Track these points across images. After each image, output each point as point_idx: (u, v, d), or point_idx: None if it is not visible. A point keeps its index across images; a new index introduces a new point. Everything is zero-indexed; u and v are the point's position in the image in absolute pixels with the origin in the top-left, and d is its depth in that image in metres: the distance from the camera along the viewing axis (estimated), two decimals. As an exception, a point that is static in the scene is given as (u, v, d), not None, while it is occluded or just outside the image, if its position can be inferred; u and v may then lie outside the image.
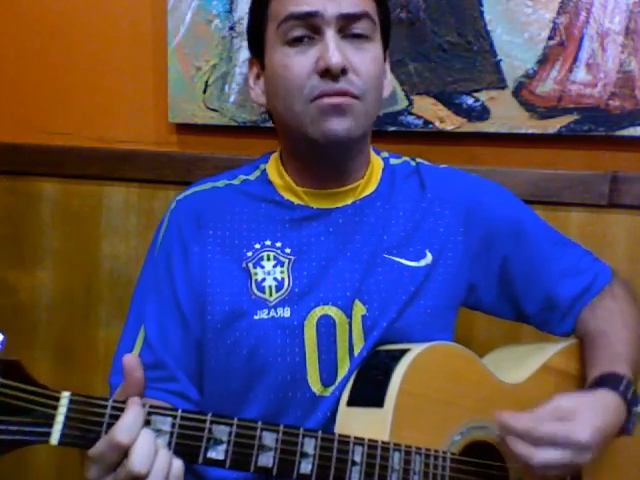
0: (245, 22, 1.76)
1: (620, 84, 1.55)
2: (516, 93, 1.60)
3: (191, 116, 1.80)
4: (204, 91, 1.78)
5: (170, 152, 1.85)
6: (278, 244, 1.17)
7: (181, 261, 1.18)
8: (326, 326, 1.14)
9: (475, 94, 1.62)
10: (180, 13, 1.76)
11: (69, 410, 0.86)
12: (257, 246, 1.17)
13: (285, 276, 1.15)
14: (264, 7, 1.17)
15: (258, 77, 1.22)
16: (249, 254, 1.17)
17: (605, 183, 1.59)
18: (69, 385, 1.98)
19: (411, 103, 1.65)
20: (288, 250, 1.17)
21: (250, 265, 1.16)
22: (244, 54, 1.74)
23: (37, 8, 1.90)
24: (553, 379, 1.21)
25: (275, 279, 1.15)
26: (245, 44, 1.74)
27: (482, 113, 1.62)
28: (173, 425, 0.90)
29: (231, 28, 1.74)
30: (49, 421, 0.85)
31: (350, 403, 1.08)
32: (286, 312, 1.13)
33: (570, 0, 1.55)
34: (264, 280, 1.15)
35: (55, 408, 0.86)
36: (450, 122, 1.65)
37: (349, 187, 1.21)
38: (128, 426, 0.87)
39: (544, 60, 1.58)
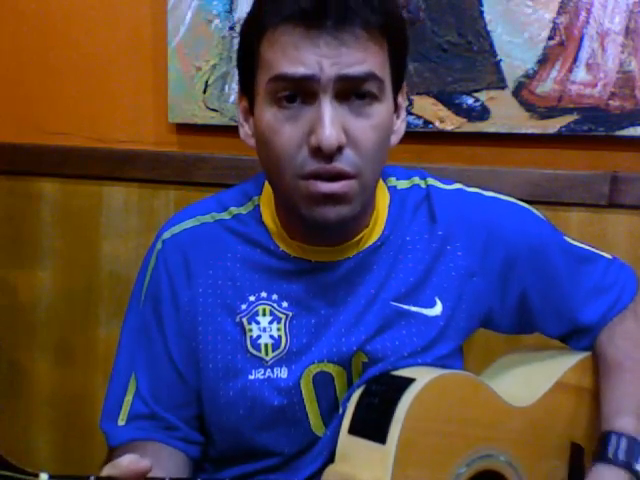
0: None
1: (620, 84, 1.55)
2: (516, 93, 1.60)
3: (191, 116, 1.80)
4: (204, 91, 1.78)
5: (170, 152, 1.85)
6: (274, 297, 1.09)
7: (172, 310, 1.10)
8: (323, 381, 1.09)
9: (475, 94, 1.62)
10: (180, 13, 1.76)
11: None
12: (252, 298, 1.09)
13: (282, 334, 1.08)
14: (253, 49, 1.02)
15: (247, 113, 1.08)
16: (243, 307, 1.09)
17: (605, 183, 1.58)
18: (69, 385, 2.00)
19: (411, 103, 1.65)
20: (285, 304, 1.09)
21: (245, 320, 1.08)
22: (244, 54, 1.74)
23: (37, 8, 1.90)
24: (566, 397, 1.17)
25: (271, 337, 1.08)
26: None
27: (482, 113, 1.62)
28: None
29: (231, 28, 1.74)
30: None
31: (351, 431, 1.04)
32: (283, 373, 1.08)
33: (570, 0, 1.55)
34: (260, 337, 1.08)
35: None
36: (450, 122, 1.65)
37: (351, 242, 1.10)
38: None
39: (544, 60, 1.58)
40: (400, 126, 1.09)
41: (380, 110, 1.00)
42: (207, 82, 1.78)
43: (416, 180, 1.17)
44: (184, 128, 1.83)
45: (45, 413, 1.99)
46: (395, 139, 1.08)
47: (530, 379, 1.19)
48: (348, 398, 1.08)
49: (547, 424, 1.15)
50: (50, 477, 0.81)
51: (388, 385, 1.06)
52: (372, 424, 1.03)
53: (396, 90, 1.06)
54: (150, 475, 0.84)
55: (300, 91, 0.97)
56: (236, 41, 1.74)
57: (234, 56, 1.76)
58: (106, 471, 0.84)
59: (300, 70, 0.96)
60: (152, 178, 1.85)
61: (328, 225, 1.02)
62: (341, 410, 1.08)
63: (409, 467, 1.01)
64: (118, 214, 1.90)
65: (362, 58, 0.97)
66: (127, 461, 0.84)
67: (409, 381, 1.05)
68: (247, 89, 1.06)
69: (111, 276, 1.91)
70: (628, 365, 1.15)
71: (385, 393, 1.05)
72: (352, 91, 0.98)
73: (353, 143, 0.98)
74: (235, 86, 1.76)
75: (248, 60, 1.03)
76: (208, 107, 1.78)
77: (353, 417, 1.05)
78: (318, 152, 0.96)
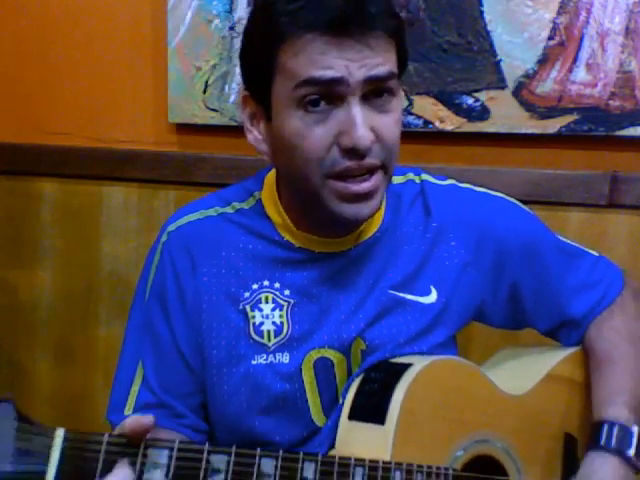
0: (245, 22, 1.75)
1: (620, 84, 1.55)
2: (516, 93, 1.60)
3: (191, 116, 1.80)
4: (204, 91, 1.78)
5: (170, 152, 1.85)
6: (277, 285, 1.12)
7: (177, 301, 1.13)
8: (324, 367, 1.12)
9: (475, 94, 1.62)
10: (180, 13, 1.76)
11: (64, 448, 0.85)
12: (255, 286, 1.13)
13: (284, 320, 1.12)
14: (270, 54, 1.03)
15: (254, 117, 1.10)
16: (246, 295, 1.12)
17: (605, 183, 1.59)
18: (69, 385, 2.00)
19: (411, 103, 1.65)
20: (287, 292, 1.12)
21: (248, 308, 1.12)
22: (244, 54, 1.74)
23: (37, 8, 1.90)
24: (558, 389, 1.19)
25: (274, 323, 1.12)
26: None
27: (482, 113, 1.62)
28: (170, 457, 0.90)
29: (231, 28, 1.74)
30: (44, 459, 0.84)
31: (351, 417, 1.07)
32: (285, 358, 1.11)
33: (570, 0, 1.56)
34: (262, 324, 1.12)
35: (50, 446, 0.85)
36: (450, 122, 1.65)
37: (353, 234, 1.14)
38: None
39: (544, 60, 1.58)
40: None
41: (397, 104, 1.06)
42: (207, 82, 1.78)
43: (410, 176, 1.21)
44: (184, 128, 1.83)
45: (45, 413, 1.99)
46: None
47: (523, 371, 1.22)
48: (347, 387, 1.10)
49: (540, 414, 1.17)
50: (66, 431, 0.86)
51: (386, 371, 1.09)
52: (371, 408, 1.05)
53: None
54: None
55: (326, 94, 1.00)
56: (236, 41, 1.75)
57: (234, 56, 1.77)
58: (116, 432, 0.91)
59: (329, 73, 0.99)
60: (152, 178, 1.86)
61: (359, 221, 1.07)
62: (341, 401, 1.10)
63: (408, 447, 1.03)
64: (118, 214, 1.90)
65: (384, 59, 1.02)
66: (132, 419, 0.89)
67: (407, 366, 1.07)
68: (259, 97, 1.07)
69: (111, 276, 1.92)
70: (617, 357, 1.18)
71: (384, 378, 1.08)
72: (374, 91, 1.02)
73: (379, 138, 1.03)
74: (235, 86, 1.76)
75: (262, 69, 1.04)
76: (208, 107, 1.78)
77: (353, 403, 1.08)
78: (351, 152, 1.01)
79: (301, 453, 0.96)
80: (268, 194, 1.16)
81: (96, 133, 1.90)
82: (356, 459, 0.98)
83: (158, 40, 1.81)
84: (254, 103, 1.09)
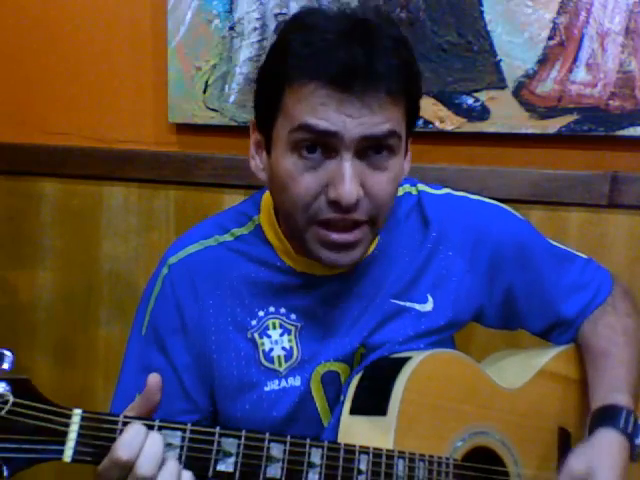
0: (245, 22, 1.75)
1: (620, 84, 1.55)
2: (516, 93, 1.60)
3: (191, 116, 1.80)
4: (204, 91, 1.78)
5: (170, 152, 1.85)
6: (282, 310, 1.13)
7: (179, 330, 1.13)
8: (331, 380, 1.14)
9: (475, 94, 1.62)
10: (180, 13, 1.76)
11: (81, 427, 0.87)
12: (261, 314, 1.13)
13: (293, 345, 1.13)
14: (276, 93, 1.03)
15: (259, 146, 1.11)
16: (253, 323, 1.13)
17: (605, 183, 1.59)
18: (69, 385, 2.00)
19: (411, 103, 1.65)
20: (293, 316, 1.14)
21: (256, 335, 1.13)
22: (244, 54, 1.74)
23: (37, 8, 1.90)
24: (551, 384, 1.22)
25: (284, 348, 1.13)
26: (245, 43, 1.74)
27: (482, 113, 1.62)
28: (183, 439, 0.91)
29: (231, 28, 1.74)
30: (61, 438, 0.86)
31: (353, 412, 1.08)
32: (297, 381, 1.13)
33: (570, 0, 1.55)
34: (272, 350, 1.12)
35: (67, 425, 0.87)
36: (450, 122, 1.65)
37: None
38: (128, 442, 0.87)
39: (544, 60, 1.58)
40: (407, 166, 1.13)
41: (395, 163, 1.05)
42: (207, 82, 1.78)
43: (407, 188, 1.22)
44: (184, 128, 1.83)
45: (45, 413, 1.99)
46: (402, 179, 1.12)
47: (516, 368, 1.24)
48: (347, 385, 1.12)
49: (534, 408, 1.19)
50: (84, 412, 0.88)
51: (385, 366, 1.11)
52: (372, 401, 1.07)
53: (407, 136, 1.09)
54: None
55: (321, 143, 1.01)
56: (236, 41, 1.75)
57: (234, 56, 1.77)
58: (129, 413, 0.92)
59: (324, 124, 0.99)
60: (152, 178, 1.86)
61: (340, 268, 1.08)
62: (342, 398, 1.11)
63: (409, 437, 1.05)
64: (118, 214, 1.90)
65: (385, 119, 1.00)
66: (139, 396, 0.92)
67: (406, 359, 1.09)
68: (263, 127, 1.08)
69: (111, 276, 1.91)
70: (613, 351, 1.19)
71: (383, 372, 1.10)
72: (373, 147, 1.02)
73: (369, 195, 1.03)
74: (235, 86, 1.76)
75: (269, 103, 1.05)
76: (208, 107, 1.78)
77: (353, 399, 1.09)
78: (336, 204, 1.01)
79: (308, 439, 0.98)
80: (266, 218, 1.16)
81: (96, 133, 1.90)
82: (361, 446, 1.01)
83: (158, 40, 1.81)
84: (259, 133, 1.10)
